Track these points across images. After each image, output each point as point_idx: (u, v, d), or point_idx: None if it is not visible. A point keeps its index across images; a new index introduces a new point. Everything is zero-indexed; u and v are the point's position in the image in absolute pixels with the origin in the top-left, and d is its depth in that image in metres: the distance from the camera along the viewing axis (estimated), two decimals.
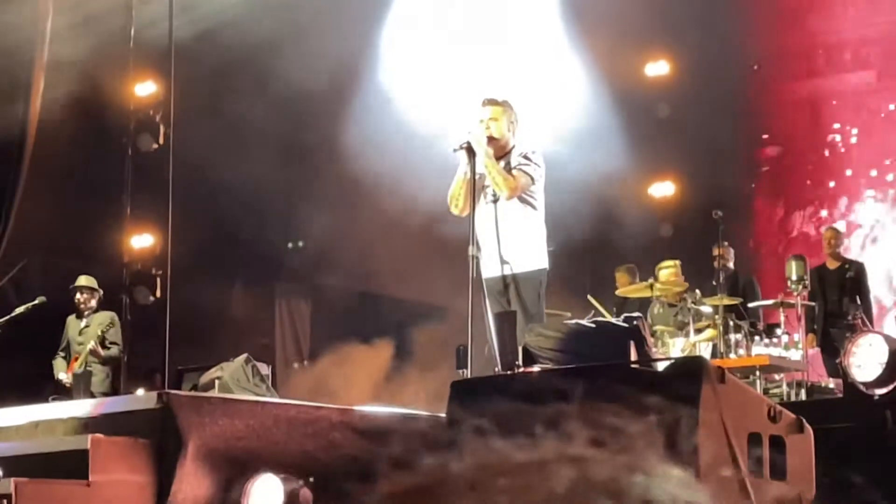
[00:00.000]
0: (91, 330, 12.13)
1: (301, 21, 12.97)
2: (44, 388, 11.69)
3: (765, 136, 16.27)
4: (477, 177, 8.32)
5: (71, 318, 12.35)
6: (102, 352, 11.97)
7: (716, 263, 12.45)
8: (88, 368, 11.88)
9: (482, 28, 13.91)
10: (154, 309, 13.07)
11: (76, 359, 12.01)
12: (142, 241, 13.25)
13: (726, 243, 12.76)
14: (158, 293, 13.07)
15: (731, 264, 12.76)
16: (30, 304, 11.73)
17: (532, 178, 8.33)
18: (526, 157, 8.38)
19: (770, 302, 11.92)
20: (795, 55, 16.13)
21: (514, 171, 8.31)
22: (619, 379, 5.00)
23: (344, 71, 13.69)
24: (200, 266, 13.21)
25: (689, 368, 4.70)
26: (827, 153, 16.07)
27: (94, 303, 12.37)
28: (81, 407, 7.55)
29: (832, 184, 16.12)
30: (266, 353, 13.15)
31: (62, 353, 12.22)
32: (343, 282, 14.43)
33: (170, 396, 6.79)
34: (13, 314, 11.62)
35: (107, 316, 12.28)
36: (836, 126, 16.09)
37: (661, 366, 5.59)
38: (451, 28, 13.92)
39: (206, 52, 12.38)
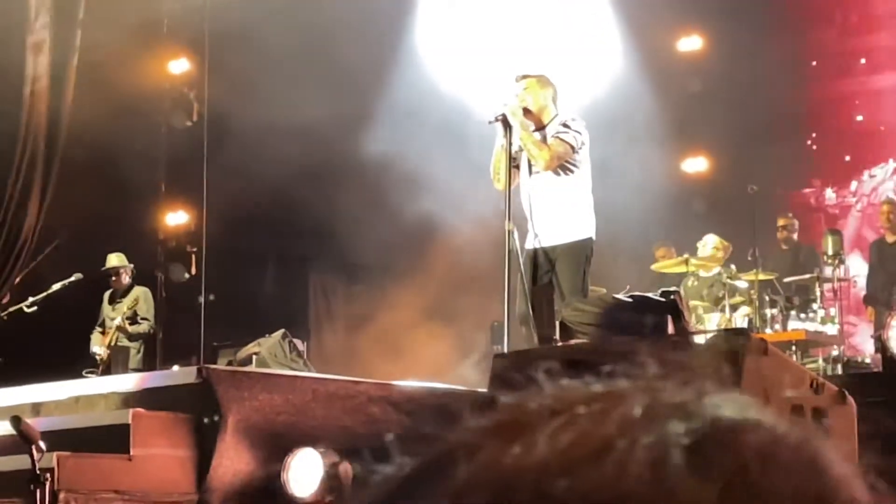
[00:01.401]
0: (122, 306, 12.18)
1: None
2: (81, 363, 11.77)
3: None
4: (518, 150, 8.28)
5: (107, 294, 12.42)
6: (130, 328, 12.02)
7: (779, 234, 12.56)
8: (121, 344, 11.95)
9: (520, 4, 13.88)
10: (189, 286, 13.14)
11: (109, 333, 12.07)
12: (177, 218, 13.29)
13: (791, 214, 12.81)
14: (193, 270, 13.14)
15: (795, 236, 12.80)
16: (66, 281, 11.80)
17: (572, 147, 8.20)
18: (565, 125, 8.28)
19: (806, 276, 11.86)
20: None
21: (550, 140, 8.23)
22: (659, 350, 5.01)
23: (382, 48, 13.67)
24: (235, 243, 13.23)
25: (732, 341, 4.69)
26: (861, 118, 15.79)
27: (126, 279, 12.41)
28: (122, 382, 7.62)
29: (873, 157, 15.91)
30: (301, 330, 13.17)
31: (99, 328, 12.29)
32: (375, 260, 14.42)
33: (209, 371, 6.84)
34: (50, 291, 11.69)
35: (139, 291, 12.33)
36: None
37: (701, 339, 5.58)
38: (488, 6, 13.86)
39: (241, 28, 12.38)
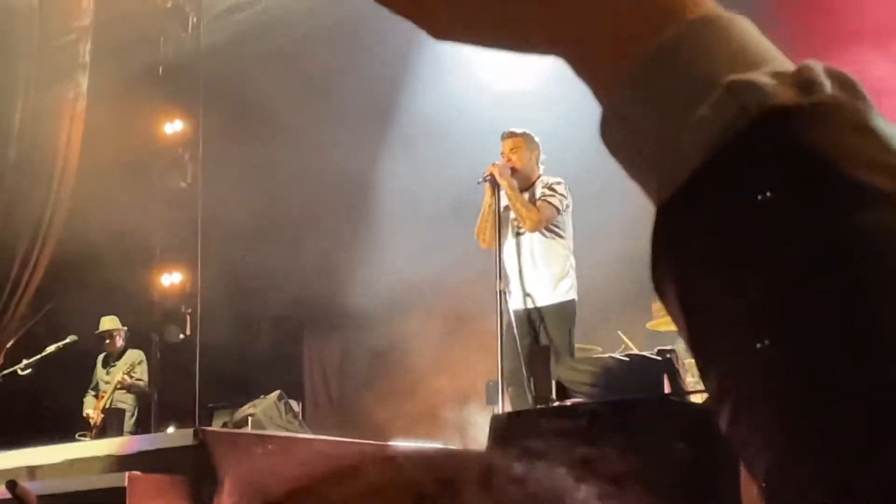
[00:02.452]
0: (118, 369, 12.18)
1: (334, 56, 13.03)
2: (76, 426, 11.74)
3: None
4: (504, 210, 8.34)
5: (101, 357, 12.41)
6: (128, 378, 12.00)
7: None
8: (116, 406, 11.93)
9: (509, 63, 13.89)
10: (184, 347, 13.09)
11: (103, 397, 12.05)
12: (171, 279, 13.28)
13: None
14: (188, 331, 13.10)
15: None
16: (61, 343, 11.80)
17: (557, 209, 8.29)
18: (551, 188, 8.34)
19: None
20: None
21: (538, 203, 8.29)
22: (655, 412, 5.02)
23: (386, 97, 13.66)
24: (230, 304, 13.22)
25: None
26: None
27: (120, 342, 12.40)
28: (118, 444, 7.60)
29: None
30: (296, 391, 13.12)
31: (92, 392, 12.28)
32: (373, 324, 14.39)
33: (206, 433, 6.84)
34: (45, 353, 11.68)
35: (134, 355, 12.32)
36: None
37: (697, 398, 5.58)
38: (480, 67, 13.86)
39: (235, 89, 12.44)
